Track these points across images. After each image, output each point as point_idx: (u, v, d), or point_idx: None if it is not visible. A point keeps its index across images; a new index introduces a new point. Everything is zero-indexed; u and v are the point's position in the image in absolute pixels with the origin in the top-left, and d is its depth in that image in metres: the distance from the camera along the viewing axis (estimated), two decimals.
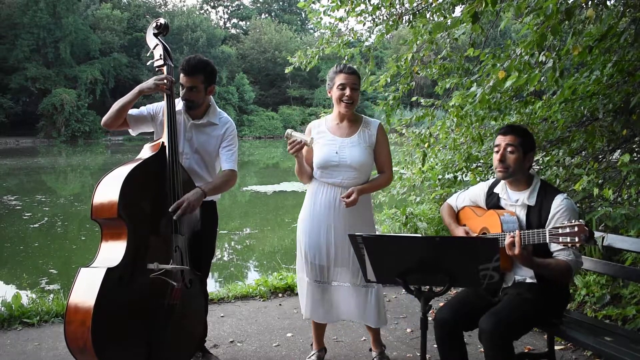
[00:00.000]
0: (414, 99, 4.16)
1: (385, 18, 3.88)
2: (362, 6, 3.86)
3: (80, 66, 35.59)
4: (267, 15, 53.10)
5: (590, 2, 2.84)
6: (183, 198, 2.14)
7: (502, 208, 2.08)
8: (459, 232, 2.16)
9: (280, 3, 55.41)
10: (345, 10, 3.94)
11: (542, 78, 2.67)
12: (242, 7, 55.04)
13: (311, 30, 51.64)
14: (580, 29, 2.89)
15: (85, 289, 1.92)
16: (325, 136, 2.35)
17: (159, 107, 2.38)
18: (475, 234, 2.11)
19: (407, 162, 4.59)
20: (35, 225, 8.56)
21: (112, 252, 2.01)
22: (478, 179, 3.60)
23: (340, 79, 2.29)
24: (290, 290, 3.71)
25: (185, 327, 2.23)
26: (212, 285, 4.74)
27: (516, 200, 2.03)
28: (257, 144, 33.07)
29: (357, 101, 2.34)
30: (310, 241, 2.34)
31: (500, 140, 2.03)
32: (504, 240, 1.87)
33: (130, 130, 2.39)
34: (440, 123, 3.88)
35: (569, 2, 2.51)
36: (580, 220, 1.74)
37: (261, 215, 10.12)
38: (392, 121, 3.99)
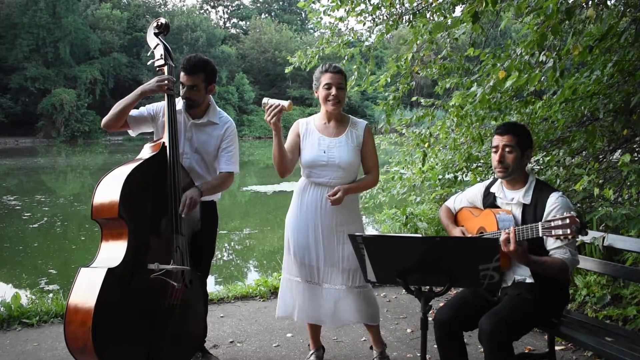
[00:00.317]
0: (414, 98, 4.16)
1: (385, 18, 3.88)
2: (362, 6, 3.86)
3: (80, 66, 35.57)
4: (267, 15, 53.10)
5: (590, 2, 2.84)
6: (184, 195, 2.14)
7: (498, 207, 2.09)
8: (456, 232, 2.17)
9: (280, 3, 55.41)
10: (345, 10, 3.94)
11: (543, 78, 2.67)
12: (242, 6, 55.05)
13: (311, 30, 51.66)
14: (580, 29, 2.89)
15: (86, 289, 1.91)
16: (313, 135, 2.35)
17: (160, 107, 2.38)
18: (471, 234, 2.11)
19: (407, 162, 4.58)
20: (34, 226, 8.55)
21: (113, 252, 2.00)
22: (478, 179, 3.59)
23: (326, 78, 2.28)
24: None
25: (185, 328, 2.23)
26: (212, 286, 4.74)
27: (512, 199, 2.04)
28: (257, 144, 33.05)
29: (344, 100, 2.34)
30: (298, 241, 2.33)
31: (498, 140, 2.03)
32: (500, 237, 1.87)
33: (130, 131, 2.39)
34: (440, 123, 3.88)
35: (569, 1, 2.50)
36: (572, 212, 1.75)
37: (261, 215, 10.12)
38: (392, 121, 3.99)
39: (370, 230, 6.55)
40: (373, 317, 2.38)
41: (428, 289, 1.71)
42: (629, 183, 2.95)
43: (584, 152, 3.44)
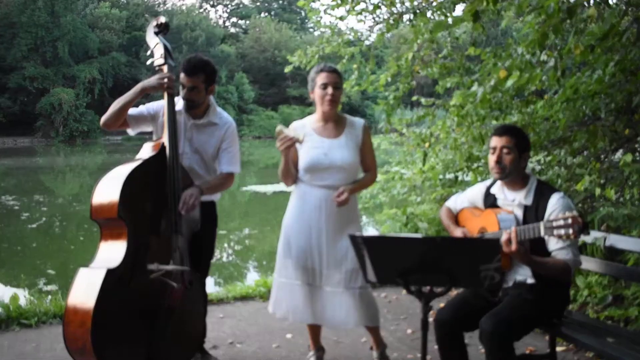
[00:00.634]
0: (414, 98, 4.16)
1: (385, 17, 3.87)
2: (363, 5, 3.85)
3: (78, 65, 35.50)
4: (266, 14, 53.05)
5: (592, 1, 2.83)
6: (184, 194, 2.13)
7: (499, 208, 2.07)
8: (457, 233, 2.16)
9: (280, 2, 55.39)
10: (345, 9, 3.93)
11: (544, 77, 2.66)
12: (241, 5, 55.01)
13: (311, 30, 51.62)
14: (582, 28, 2.88)
15: (85, 289, 1.90)
16: (311, 138, 2.30)
17: (159, 106, 2.36)
18: (473, 235, 2.11)
19: (408, 162, 4.58)
20: (33, 226, 8.54)
21: (112, 252, 1.99)
22: (479, 179, 3.58)
23: (321, 78, 2.25)
24: None
25: (185, 328, 2.22)
26: (212, 286, 4.72)
27: (513, 200, 2.04)
28: (257, 144, 33.05)
29: (340, 101, 2.31)
30: (299, 244, 2.30)
31: (496, 142, 2.02)
32: (502, 238, 1.86)
33: (129, 130, 2.37)
34: (440, 122, 3.87)
35: (571, 1, 2.50)
36: (574, 212, 1.74)
37: (261, 215, 10.11)
38: (392, 121, 3.98)
39: (370, 231, 6.54)
40: (373, 319, 2.36)
41: (428, 290, 1.70)
42: (630, 183, 2.94)
43: (585, 151, 3.43)
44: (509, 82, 2.56)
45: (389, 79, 3.91)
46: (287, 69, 4.48)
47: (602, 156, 3.35)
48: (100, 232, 2.06)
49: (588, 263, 2.35)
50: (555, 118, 3.43)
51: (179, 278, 2.11)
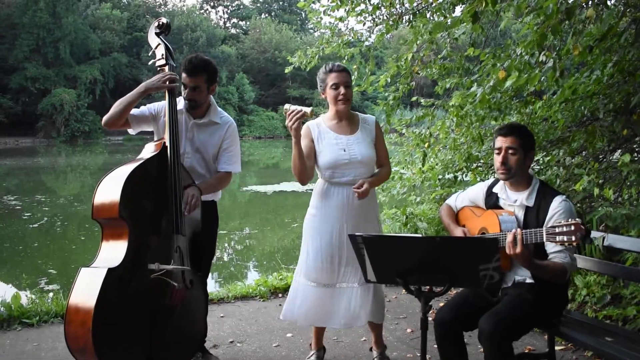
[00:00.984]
0: (414, 99, 4.16)
1: (385, 18, 3.88)
2: (362, 6, 3.86)
3: (80, 66, 35.55)
4: (267, 15, 53.07)
5: (590, 2, 2.84)
6: (186, 194, 2.15)
7: (500, 208, 2.08)
8: (458, 232, 2.16)
9: (280, 3, 55.40)
10: (345, 10, 3.94)
11: (543, 78, 2.67)
12: (242, 6, 55.03)
13: (311, 30, 51.63)
14: (580, 29, 2.89)
15: (86, 289, 1.91)
16: (329, 135, 2.34)
17: (161, 106, 2.38)
18: (473, 235, 2.11)
19: (407, 162, 4.58)
20: (34, 225, 8.55)
21: (113, 252, 2.00)
22: (478, 179, 3.59)
23: (332, 78, 2.29)
24: None
25: (186, 328, 2.23)
26: (212, 286, 4.74)
27: (515, 201, 2.03)
28: (257, 144, 33.06)
29: (352, 98, 2.35)
30: (322, 244, 2.31)
31: (501, 142, 2.01)
32: (504, 240, 1.86)
33: (130, 130, 2.38)
34: (440, 123, 3.88)
35: (569, 1, 2.50)
36: (577, 219, 1.74)
37: (261, 215, 10.12)
38: (392, 121, 3.99)
39: None
40: (380, 316, 2.39)
41: (428, 289, 1.71)
42: (628, 183, 2.95)
43: (584, 152, 3.44)
44: (508, 83, 2.57)
45: (389, 80, 3.93)
46: (287, 70, 4.50)
47: (601, 156, 3.36)
48: (101, 232, 2.07)
49: (586, 263, 2.35)
50: (554, 118, 3.44)
51: (179, 278, 2.13)
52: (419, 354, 2.30)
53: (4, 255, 6.81)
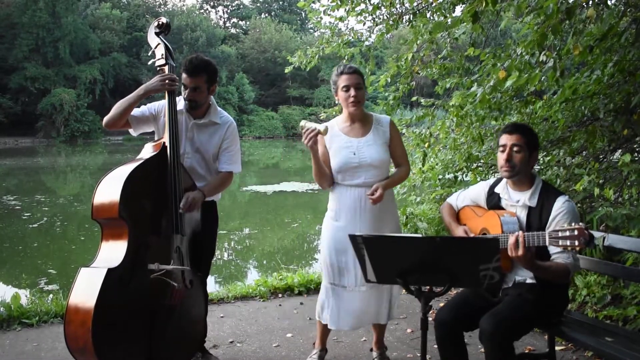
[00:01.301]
0: (414, 98, 4.16)
1: (385, 17, 3.88)
2: (362, 6, 3.86)
3: (79, 66, 35.55)
4: (267, 14, 53.07)
5: (591, 2, 2.84)
6: (185, 195, 2.15)
7: (502, 208, 2.07)
8: (459, 232, 2.15)
9: (280, 3, 55.40)
10: (345, 9, 3.94)
11: (543, 78, 2.67)
12: (242, 6, 55.02)
13: (311, 30, 51.64)
14: (580, 29, 2.89)
15: (86, 289, 1.91)
16: (340, 139, 2.33)
17: (161, 106, 2.37)
18: (474, 235, 2.11)
19: None
20: (34, 225, 8.55)
21: (113, 252, 2.00)
22: (478, 179, 3.59)
23: (342, 80, 2.28)
24: (290, 290, 3.70)
25: (185, 328, 2.23)
26: (212, 286, 4.73)
27: (517, 201, 2.02)
28: (257, 144, 33.05)
29: (364, 100, 2.33)
30: (336, 245, 2.31)
31: (506, 139, 2.01)
32: (505, 241, 1.86)
33: (131, 131, 2.38)
34: (440, 123, 3.87)
35: (570, 1, 2.50)
36: (580, 224, 1.73)
37: (261, 215, 10.11)
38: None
39: None
40: (386, 316, 2.40)
41: (428, 289, 1.71)
42: (629, 183, 2.95)
43: (584, 152, 3.44)
44: (508, 83, 2.56)
45: (389, 80, 3.92)
46: (287, 70, 4.50)
47: (601, 156, 3.36)
48: (101, 232, 2.07)
49: (587, 263, 2.35)
50: (554, 118, 3.43)
51: (179, 278, 2.13)
52: (419, 354, 2.30)
53: (3, 255, 6.80)
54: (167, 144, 2.17)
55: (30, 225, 8.53)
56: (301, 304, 3.46)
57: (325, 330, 2.51)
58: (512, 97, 3.54)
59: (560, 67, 2.42)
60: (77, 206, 10.62)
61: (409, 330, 3.00)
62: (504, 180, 2.09)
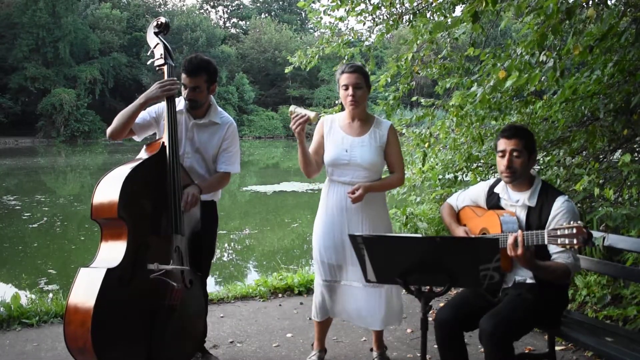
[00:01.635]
0: (414, 98, 4.16)
1: (385, 17, 3.88)
2: (362, 6, 3.86)
3: (79, 66, 35.53)
4: (267, 14, 53.06)
5: (591, 2, 2.84)
6: (185, 192, 2.15)
7: (502, 208, 2.07)
8: (459, 232, 2.15)
9: (280, 3, 55.41)
10: (345, 9, 3.94)
11: (543, 78, 2.67)
12: (242, 6, 55.03)
13: (311, 30, 51.63)
14: (580, 29, 2.89)
15: (85, 289, 1.91)
16: (337, 134, 2.35)
17: (161, 107, 2.37)
18: (474, 235, 2.11)
19: (407, 162, 4.58)
20: (34, 225, 8.55)
21: (112, 252, 2.00)
22: (478, 179, 3.59)
23: (343, 79, 2.29)
24: (290, 290, 3.70)
25: (185, 328, 2.22)
26: (212, 286, 4.73)
27: (517, 201, 2.03)
28: (257, 144, 33.06)
29: (363, 99, 2.33)
30: (325, 242, 2.33)
31: (505, 144, 2.00)
32: (505, 240, 1.86)
33: (135, 137, 2.39)
34: (440, 123, 3.87)
35: (570, 1, 2.50)
36: (579, 222, 1.74)
37: (261, 215, 10.11)
38: (392, 121, 3.98)
39: None
40: (398, 318, 2.39)
41: (428, 289, 1.71)
42: (629, 183, 2.95)
43: (584, 152, 3.44)
44: (508, 83, 2.56)
45: (389, 80, 3.92)
46: (287, 70, 4.50)
47: (601, 156, 3.36)
48: (100, 232, 2.07)
49: (587, 263, 2.35)
50: (554, 118, 3.44)
51: (179, 278, 2.12)
52: (419, 354, 2.30)
53: (3, 255, 6.80)
54: (166, 143, 2.17)
55: (30, 225, 8.53)
56: (301, 304, 3.46)
57: (322, 331, 2.51)
58: (512, 97, 3.54)
59: (560, 67, 2.42)
60: (77, 206, 10.62)
61: (409, 330, 3.00)
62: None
